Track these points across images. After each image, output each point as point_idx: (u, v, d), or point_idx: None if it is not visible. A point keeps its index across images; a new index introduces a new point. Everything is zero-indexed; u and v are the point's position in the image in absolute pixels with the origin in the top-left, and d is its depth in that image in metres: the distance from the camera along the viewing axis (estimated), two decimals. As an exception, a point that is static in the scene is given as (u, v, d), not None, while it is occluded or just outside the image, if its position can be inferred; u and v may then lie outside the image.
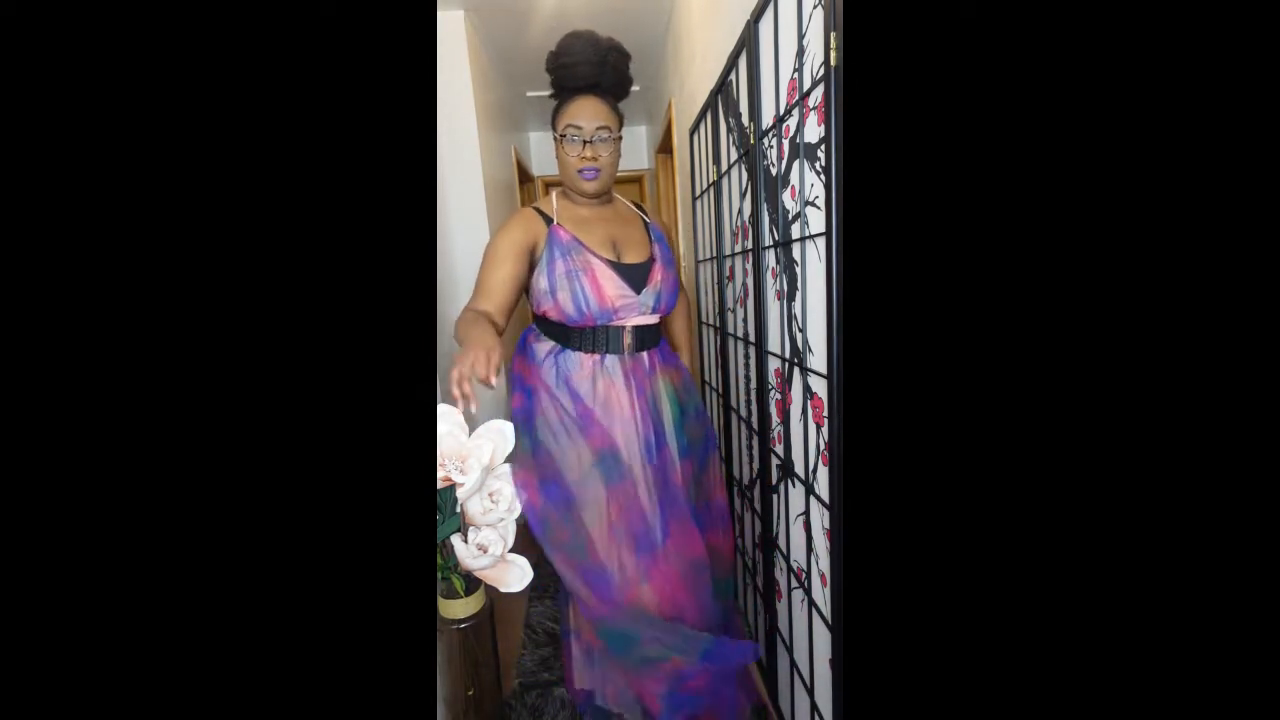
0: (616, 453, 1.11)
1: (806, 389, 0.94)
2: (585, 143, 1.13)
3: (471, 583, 0.95)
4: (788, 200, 0.96)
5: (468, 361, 0.82)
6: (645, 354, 1.18)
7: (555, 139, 1.17)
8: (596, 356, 1.14)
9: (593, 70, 1.12)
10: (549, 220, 1.17)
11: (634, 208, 1.26)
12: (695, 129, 1.81)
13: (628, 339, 1.15)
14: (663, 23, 2.47)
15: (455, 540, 0.85)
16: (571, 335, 1.14)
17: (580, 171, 1.14)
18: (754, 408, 1.26)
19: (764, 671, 1.36)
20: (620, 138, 1.18)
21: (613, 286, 1.12)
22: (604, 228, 1.19)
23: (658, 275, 1.16)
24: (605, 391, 1.13)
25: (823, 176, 0.78)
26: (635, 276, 1.15)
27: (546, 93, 1.22)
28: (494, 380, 0.82)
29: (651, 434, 1.14)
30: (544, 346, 1.17)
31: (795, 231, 0.93)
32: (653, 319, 1.18)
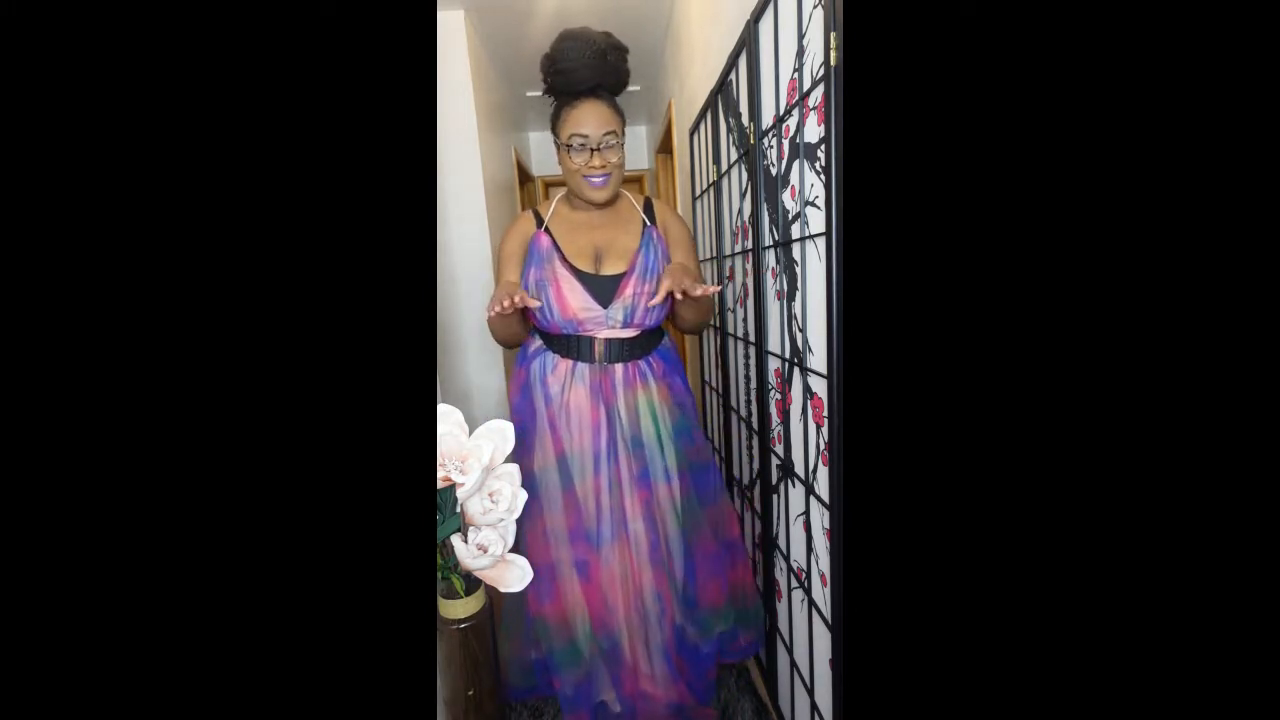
0: (573, 458, 1.14)
1: (806, 389, 0.94)
2: (593, 150, 1.10)
3: (471, 583, 0.95)
4: (788, 200, 0.96)
5: (498, 295, 0.98)
6: (620, 366, 1.14)
7: (558, 146, 1.14)
8: (570, 362, 1.15)
9: (593, 73, 1.09)
10: (540, 223, 1.18)
11: (639, 208, 1.21)
12: (695, 129, 1.81)
13: (598, 350, 1.13)
14: (663, 23, 2.47)
15: (455, 540, 0.85)
16: (551, 339, 1.17)
17: (589, 179, 1.12)
18: (754, 408, 1.26)
19: (764, 671, 1.36)
20: (623, 135, 1.15)
21: (577, 299, 1.11)
22: (593, 235, 1.16)
23: (628, 289, 1.11)
24: (572, 398, 1.14)
25: (823, 176, 0.78)
26: (606, 290, 1.12)
27: (543, 94, 1.19)
28: (518, 300, 0.97)
29: (606, 447, 1.13)
30: (533, 345, 1.19)
31: (795, 231, 0.93)
32: (627, 333, 1.13)
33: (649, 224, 1.19)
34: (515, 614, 1.18)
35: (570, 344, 1.14)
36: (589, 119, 1.10)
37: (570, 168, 1.13)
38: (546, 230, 1.17)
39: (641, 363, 1.16)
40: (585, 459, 1.14)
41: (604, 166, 1.11)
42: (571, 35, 1.11)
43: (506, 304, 0.95)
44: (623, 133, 1.14)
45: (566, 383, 1.15)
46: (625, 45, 1.14)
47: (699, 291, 0.97)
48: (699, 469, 1.21)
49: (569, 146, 1.11)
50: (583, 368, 1.14)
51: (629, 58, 1.15)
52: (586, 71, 1.09)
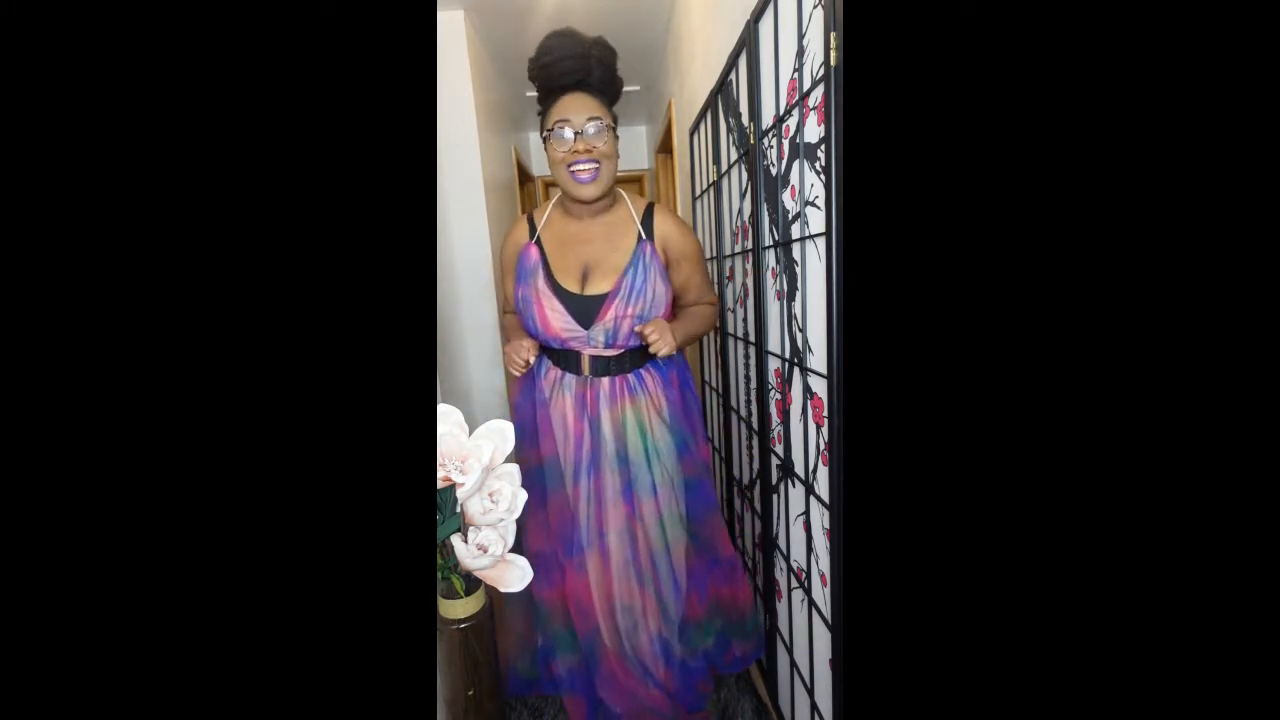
0: (556, 463, 1.14)
1: (806, 389, 0.94)
2: (577, 134, 1.03)
3: (471, 583, 0.95)
4: (788, 200, 0.96)
5: (516, 351, 1.10)
6: (607, 379, 1.11)
7: (544, 141, 1.08)
8: (559, 371, 1.14)
9: (576, 65, 1.04)
10: (534, 231, 1.17)
11: (637, 219, 1.14)
12: (695, 129, 1.81)
13: (584, 364, 1.12)
14: (663, 23, 2.47)
15: (455, 540, 0.85)
16: (546, 346, 1.16)
17: (572, 170, 1.05)
18: (754, 408, 1.26)
19: (764, 671, 1.36)
20: (614, 128, 1.08)
21: (559, 320, 1.09)
22: (582, 250, 1.12)
23: (610, 313, 1.07)
24: (559, 406, 1.14)
25: (823, 176, 0.78)
26: (588, 311, 1.08)
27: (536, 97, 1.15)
28: (532, 358, 1.11)
29: (587, 459, 1.12)
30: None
31: (795, 231, 0.93)
32: (611, 352, 1.11)
33: (644, 238, 1.12)
34: (522, 599, 1.18)
35: (558, 355, 1.14)
36: (571, 105, 1.05)
37: (555, 158, 1.06)
38: (537, 242, 1.15)
39: (630, 376, 1.13)
40: (567, 468, 1.14)
41: (589, 152, 1.04)
42: (557, 33, 1.07)
43: (521, 365, 1.09)
44: (611, 123, 1.08)
45: (555, 390, 1.14)
46: (614, 49, 1.09)
47: (661, 352, 1.04)
48: (691, 485, 1.18)
49: (551, 133, 1.05)
50: (570, 378, 1.13)
51: (629, 60, 1.12)
52: (570, 63, 1.04)
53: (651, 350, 1.05)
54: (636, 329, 1.07)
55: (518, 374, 1.11)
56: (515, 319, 1.21)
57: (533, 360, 1.10)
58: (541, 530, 1.15)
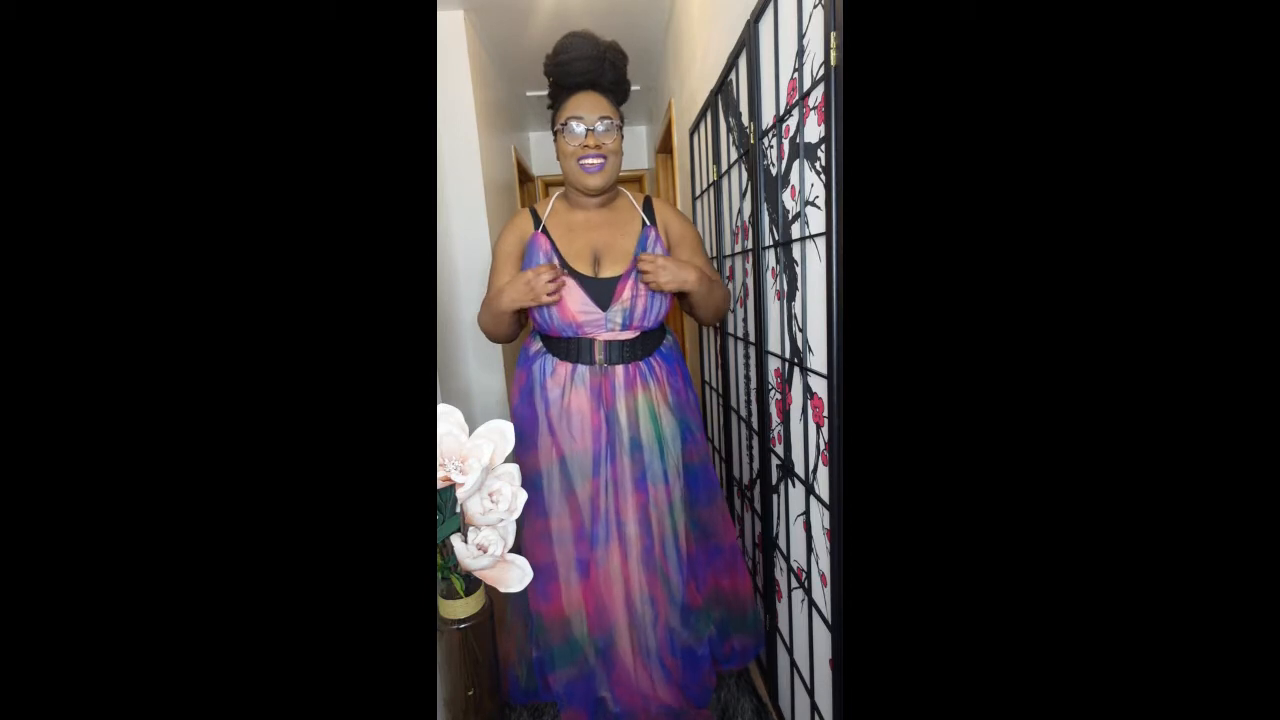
0: (572, 462, 1.14)
1: (806, 389, 0.94)
2: (589, 130, 1.10)
3: (471, 583, 0.95)
4: (788, 200, 0.96)
5: (535, 277, 1.06)
6: (621, 368, 1.13)
7: (555, 134, 1.14)
8: (569, 366, 1.15)
9: (591, 65, 1.10)
10: (538, 222, 1.18)
11: (638, 208, 1.21)
12: (695, 129, 1.81)
13: (598, 352, 1.13)
14: (663, 23, 2.47)
15: (455, 540, 0.85)
16: (551, 341, 1.17)
17: (583, 163, 1.11)
18: (754, 408, 1.26)
19: (764, 671, 1.36)
20: (621, 127, 1.15)
21: (576, 303, 1.11)
22: (591, 236, 1.16)
23: (626, 291, 1.11)
24: (572, 401, 1.14)
25: (823, 176, 0.78)
26: (605, 292, 1.12)
27: (546, 93, 1.19)
28: (553, 282, 1.07)
29: (604, 449, 1.13)
30: (534, 348, 1.19)
31: (795, 231, 0.93)
32: (626, 335, 1.14)
33: (648, 224, 1.18)
34: (519, 612, 1.19)
35: (570, 347, 1.14)
36: (584, 104, 1.11)
37: (566, 151, 1.12)
38: (544, 231, 1.17)
39: (642, 364, 1.16)
40: (584, 462, 1.14)
41: (599, 148, 1.10)
42: (576, 34, 1.12)
43: (553, 286, 1.05)
44: (619, 122, 1.14)
45: (566, 386, 1.15)
46: (626, 53, 1.15)
47: (661, 279, 1.07)
48: (697, 472, 1.21)
49: (564, 127, 1.10)
50: (583, 370, 1.14)
51: (632, 62, 1.16)
52: (585, 64, 1.09)
53: (646, 279, 1.08)
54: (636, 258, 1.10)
55: (550, 300, 1.07)
56: (487, 314, 1.19)
57: (557, 284, 1.07)
58: (540, 541, 1.14)
